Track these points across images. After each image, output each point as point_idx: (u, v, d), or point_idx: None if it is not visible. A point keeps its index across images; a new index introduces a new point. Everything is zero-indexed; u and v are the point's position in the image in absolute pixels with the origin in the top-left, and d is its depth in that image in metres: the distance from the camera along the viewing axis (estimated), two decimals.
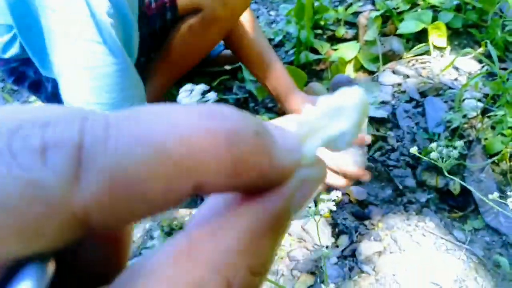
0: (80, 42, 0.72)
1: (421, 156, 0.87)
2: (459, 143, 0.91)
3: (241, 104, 1.44)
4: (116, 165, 0.10)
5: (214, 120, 0.11)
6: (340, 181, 0.92)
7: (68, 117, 0.11)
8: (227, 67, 1.48)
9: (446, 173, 0.78)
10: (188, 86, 0.43)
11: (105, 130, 0.11)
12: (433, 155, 0.78)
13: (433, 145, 0.80)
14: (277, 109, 1.38)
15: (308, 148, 0.15)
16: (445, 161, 1.14)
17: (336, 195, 0.66)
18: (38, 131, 0.10)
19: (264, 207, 0.13)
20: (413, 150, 0.81)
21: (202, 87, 0.42)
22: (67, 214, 0.10)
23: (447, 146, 1.14)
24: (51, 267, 0.11)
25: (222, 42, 1.26)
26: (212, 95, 0.42)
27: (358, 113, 0.15)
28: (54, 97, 1.09)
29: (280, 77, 1.15)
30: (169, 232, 1.13)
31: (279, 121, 0.13)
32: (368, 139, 0.96)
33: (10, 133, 0.10)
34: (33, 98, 1.60)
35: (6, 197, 0.09)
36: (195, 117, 0.11)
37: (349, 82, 1.32)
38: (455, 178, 0.84)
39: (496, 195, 0.69)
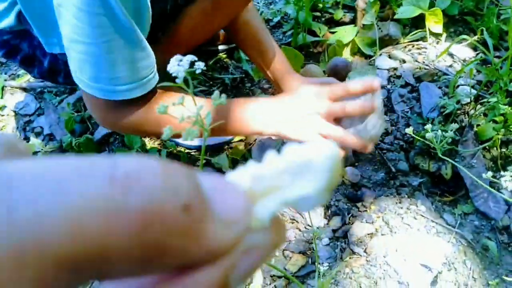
0: (86, 15, 0.71)
1: (415, 137, 0.88)
2: (453, 125, 0.92)
3: (237, 84, 1.43)
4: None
5: (129, 194, 0.09)
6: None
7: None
8: (224, 46, 1.47)
9: (440, 154, 0.79)
10: (177, 56, 0.43)
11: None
12: (428, 135, 0.79)
13: (428, 126, 0.80)
14: (273, 91, 1.38)
15: (262, 210, 0.12)
16: (439, 142, 1.16)
17: None
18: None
19: (197, 281, 0.11)
20: (409, 130, 0.82)
21: (190, 57, 0.42)
22: None
23: (440, 131, 1.16)
24: None
25: None
26: (200, 64, 0.42)
27: (327, 174, 0.13)
28: (49, 73, 1.06)
29: (275, 59, 1.14)
30: None
31: (235, 175, 0.10)
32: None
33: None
34: (21, 71, 1.58)
35: None
36: (104, 182, 0.09)
37: (346, 65, 1.32)
38: (447, 159, 0.86)
39: (490, 174, 0.70)
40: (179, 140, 1.27)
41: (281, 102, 0.95)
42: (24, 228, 0.09)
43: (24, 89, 1.52)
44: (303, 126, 0.90)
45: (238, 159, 1.24)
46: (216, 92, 0.44)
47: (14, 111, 1.46)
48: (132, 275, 0.10)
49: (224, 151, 1.29)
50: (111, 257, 0.09)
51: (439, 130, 1.00)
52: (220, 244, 0.11)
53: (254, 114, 0.94)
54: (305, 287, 1.02)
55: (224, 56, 1.50)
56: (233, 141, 1.30)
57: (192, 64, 0.43)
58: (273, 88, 1.38)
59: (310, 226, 1.12)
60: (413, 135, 0.82)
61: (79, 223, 0.09)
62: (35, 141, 1.37)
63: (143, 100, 0.88)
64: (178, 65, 0.42)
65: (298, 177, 0.13)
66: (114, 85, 0.81)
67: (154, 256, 0.10)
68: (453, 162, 0.86)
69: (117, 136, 1.36)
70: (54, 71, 1.00)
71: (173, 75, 0.42)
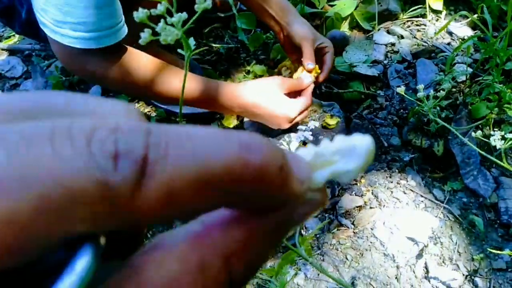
0: None
1: (406, 96, 0.87)
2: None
3: (232, 54, 1.41)
4: (172, 181, 0.12)
5: (250, 153, 0.13)
6: None
7: (135, 127, 0.13)
8: (220, 15, 1.44)
9: (431, 115, 0.78)
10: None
11: (166, 149, 0.12)
12: (420, 94, 0.78)
13: (420, 86, 0.79)
14: (268, 62, 1.36)
15: (318, 177, 0.17)
16: (432, 122, 1.15)
17: (314, 124, 0.67)
18: (111, 138, 0.12)
19: (271, 216, 0.15)
20: (400, 90, 0.81)
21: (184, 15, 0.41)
22: (126, 213, 0.12)
23: (434, 107, 1.15)
24: (103, 239, 0.14)
25: None
26: (183, 15, 0.40)
27: (365, 159, 0.18)
28: (29, 26, 1.04)
29: (281, 2, 1.12)
30: None
31: (302, 151, 0.14)
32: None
33: (87, 136, 0.12)
34: (7, 32, 1.54)
35: (81, 190, 0.11)
36: (235, 147, 0.13)
37: (344, 38, 1.30)
38: (443, 124, 0.85)
39: (479, 133, 0.71)
40: (169, 107, 1.26)
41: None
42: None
43: (11, 51, 1.49)
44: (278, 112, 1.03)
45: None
46: None
47: (0, 73, 1.44)
48: (232, 206, 0.15)
49: (215, 121, 1.28)
50: (240, 194, 0.14)
51: (433, 104, 0.99)
52: (294, 194, 0.15)
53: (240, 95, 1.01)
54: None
55: (220, 25, 1.47)
56: (224, 121, 1.28)
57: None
58: (269, 60, 1.36)
59: None
60: (404, 94, 0.81)
61: None
62: None
63: (110, 51, 0.88)
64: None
65: (345, 157, 0.18)
66: (79, 31, 0.81)
67: (264, 194, 0.14)
68: (448, 126, 0.85)
69: None
70: (32, 24, 0.97)
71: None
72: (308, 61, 1.07)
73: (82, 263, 0.12)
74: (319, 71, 1.10)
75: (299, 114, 1.05)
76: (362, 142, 0.18)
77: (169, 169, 0.12)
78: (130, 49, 0.93)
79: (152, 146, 0.12)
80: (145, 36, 0.39)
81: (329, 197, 1.11)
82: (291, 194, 0.15)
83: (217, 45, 1.41)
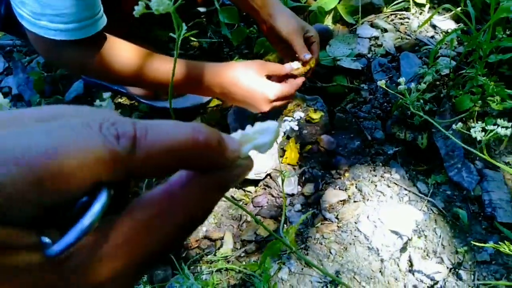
0: None
1: (388, 89, 0.86)
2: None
3: (215, 49, 1.39)
4: (151, 148, 0.20)
5: (199, 133, 0.21)
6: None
7: (125, 120, 0.20)
8: (202, 9, 1.42)
9: (412, 109, 0.77)
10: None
11: (146, 131, 0.20)
12: (401, 87, 0.77)
13: (401, 79, 0.78)
14: (252, 56, 1.35)
15: (245, 149, 0.25)
16: (415, 115, 1.15)
17: (300, 115, 0.66)
18: (113, 126, 0.19)
19: (216, 175, 0.23)
20: (381, 83, 0.80)
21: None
22: (126, 168, 0.19)
23: (418, 100, 1.14)
24: (112, 191, 0.20)
25: None
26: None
27: (274, 135, 0.26)
28: (8, 22, 1.01)
29: None
30: None
31: (233, 134, 0.18)
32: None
33: (99, 125, 0.19)
34: None
35: (101, 155, 0.18)
36: (190, 130, 0.21)
37: (327, 31, 1.29)
38: (427, 113, 0.84)
39: (460, 125, 0.70)
40: (151, 102, 1.24)
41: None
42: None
43: None
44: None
45: (213, 124, 1.21)
46: None
47: None
48: (197, 168, 0.23)
49: (199, 115, 1.26)
50: (193, 159, 0.22)
51: (415, 97, 0.99)
52: (230, 159, 0.23)
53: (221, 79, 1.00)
54: None
55: (203, 20, 1.45)
56: (208, 106, 1.27)
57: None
58: (253, 54, 1.35)
59: (283, 192, 1.11)
60: (386, 88, 0.80)
61: None
62: (2, 102, 1.32)
63: (90, 41, 0.87)
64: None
65: (261, 135, 0.26)
66: (58, 23, 0.79)
67: (209, 160, 0.22)
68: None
69: (89, 98, 1.32)
70: (12, 20, 0.95)
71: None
72: (305, 53, 1.06)
73: (101, 201, 0.19)
74: (312, 65, 1.08)
75: (279, 100, 1.03)
76: (272, 124, 0.26)
77: (149, 141, 0.20)
78: (111, 38, 0.92)
79: (138, 130, 0.20)
80: (138, 8, 0.40)
81: (312, 191, 1.10)
82: (228, 159, 0.23)
83: (200, 40, 1.39)
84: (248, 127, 0.26)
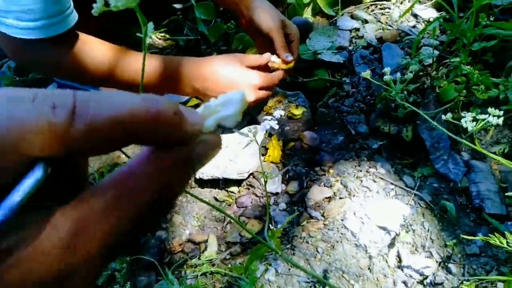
0: None
1: (372, 80, 0.83)
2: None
3: (192, 46, 1.35)
4: (93, 120, 0.19)
5: (151, 103, 0.20)
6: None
7: (65, 91, 0.19)
8: (178, 6, 1.38)
9: (398, 100, 0.74)
10: None
11: (88, 102, 0.19)
12: (386, 78, 0.74)
13: (386, 69, 0.76)
14: (230, 52, 1.31)
15: (208, 123, 0.23)
16: (399, 107, 1.12)
17: (280, 113, 0.63)
18: (50, 97, 0.19)
19: (176, 151, 0.21)
20: (366, 74, 0.77)
21: None
22: (64, 141, 0.18)
23: (402, 91, 1.12)
24: (49, 168, 0.19)
25: None
26: None
27: (240, 106, 0.23)
28: None
29: None
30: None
31: (198, 109, 0.18)
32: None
33: (33, 95, 0.19)
34: None
35: (38, 125, 0.18)
36: (140, 100, 0.20)
37: (306, 24, 1.26)
38: (411, 104, 0.81)
39: (449, 116, 0.67)
40: None
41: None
42: None
43: None
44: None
45: None
46: None
47: None
48: (150, 143, 0.21)
49: None
50: (144, 132, 0.20)
51: (400, 88, 0.96)
52: (189, 133, 0.21)
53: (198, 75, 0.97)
54: None
55: (178, 17, 1.41)
56: (187, 105, 1.23)
57: None
58: (231, 49, 1.31)
59: (268, 192, 1.07)
60: (370, 79, 0.77)
61: None
62: None
63: (61, 39, 0.82)
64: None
65: (226, 107, 0.23)
66: (26, 21, 0.75)
67: (164, 132, 0.20)
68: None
69: None
70: None
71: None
72: (286, 53, 1.04)
73: (35, 176, 0.18)
74: (291, 65, 1.06)
75: (263, 88, 1.00)
76: (237, 95, 0.24)
77: (91, 112, 0.18)
78: (82, 35, 0.88)
79: (79, 101, 0.19)
80: (97, 6, 0.36)
81: (297, 189, 1.07)
82: (186, 132, 0.21)
83: (176, 38, 1.35)
84: (212, 99, 0.24)
